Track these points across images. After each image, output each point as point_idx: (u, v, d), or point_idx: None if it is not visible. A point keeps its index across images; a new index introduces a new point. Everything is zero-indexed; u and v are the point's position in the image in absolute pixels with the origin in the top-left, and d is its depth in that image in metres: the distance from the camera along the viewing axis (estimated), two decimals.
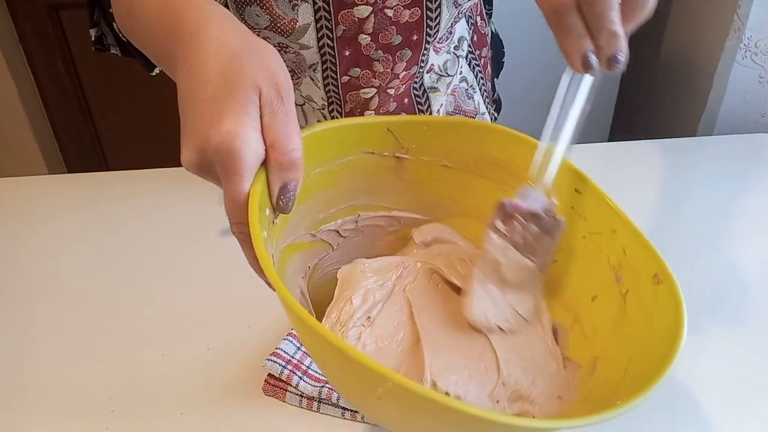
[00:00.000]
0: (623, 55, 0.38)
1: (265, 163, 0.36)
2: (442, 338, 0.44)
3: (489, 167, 0.47)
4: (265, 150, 0.36)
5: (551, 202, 0.40)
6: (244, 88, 0.35)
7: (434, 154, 0.47)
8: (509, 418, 0.31)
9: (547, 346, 0.43)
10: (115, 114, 1.88)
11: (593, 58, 0.38)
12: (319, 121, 0.74)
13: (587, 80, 0.39)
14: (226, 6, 0.65)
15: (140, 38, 0.48)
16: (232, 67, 0.36)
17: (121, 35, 0.57)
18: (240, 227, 0.36)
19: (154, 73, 0.61)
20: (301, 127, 0.38)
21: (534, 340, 0.44)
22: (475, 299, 0.43)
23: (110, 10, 0.54)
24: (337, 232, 0.48)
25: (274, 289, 0.40)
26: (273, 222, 0.38)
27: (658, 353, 0.33)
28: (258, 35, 0.65)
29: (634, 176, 0.82)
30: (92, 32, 0.61)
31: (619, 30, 0.37)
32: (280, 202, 0.37)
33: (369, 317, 0.44)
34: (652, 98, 1.52)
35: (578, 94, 0.39)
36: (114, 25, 0.57)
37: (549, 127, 0.40)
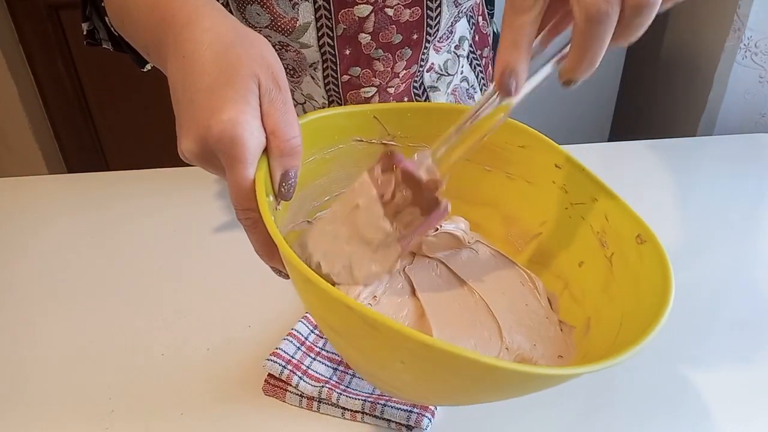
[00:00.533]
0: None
1: (266, 151, 0.37)
2: (446, 312, 0.44)
3: (473, 150, 0.48)
4: (266, 138, 0.36)
5: (438, 178, 0.39)
6: (243, 77, 0.35)
7: (419, 139, 0.48)
8: (539, 368, 0.32)
9: (544, 312, 0.45)
10: (115, 114, 1.89)
11: (508, 79, 0.34)
12: None
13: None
14: (227, 5, 0.65)
15: (131, 31, 0.48)
16: (227, 57, 0.36)
17: (113, 30, 0.57)
18: (246, 213, 0.36)
19: (145, 69, 0.61)
20: None
21: (532, 307, 0.45)
22: (315, 232, 0.42)
23: (102, 4, 0.54)
24: None
25: (283, 276, 0.39)
26: (276, 209, 0.39)
27: (649, 308, 0.35)
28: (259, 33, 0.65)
29: (634, 176, 0.82)
30: (84, 26, 0.61)
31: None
32: (282, 189, 0.37)
33: (375, 296, 0.45)
34: (652, 98, 1.52)
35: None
36: (106, 19, 0.57)
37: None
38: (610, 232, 0.41)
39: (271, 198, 0.37)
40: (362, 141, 0.47)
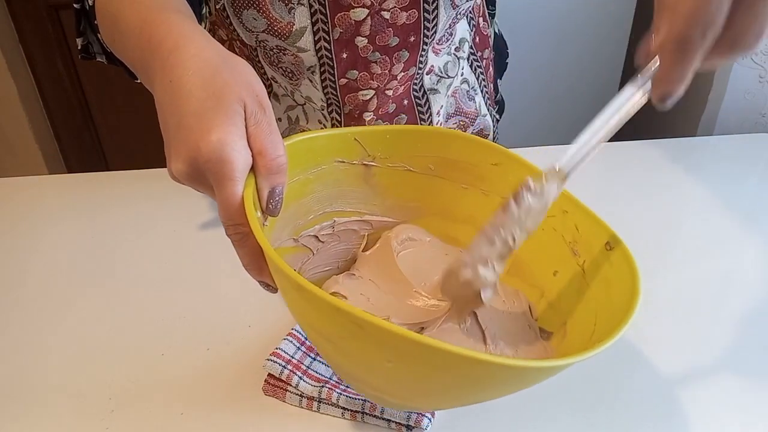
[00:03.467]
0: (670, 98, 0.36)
1: (253, 170, 0.38)
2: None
3: (449, 169, 0.52)
4: (253, 158, 0.38)
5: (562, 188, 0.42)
6: (230, 101, 0.37)
7: (398, 160, 0.51)
8: (528, 362, 0.33)
9: (525, 320, 0.48)
10: (115, 114, 1.89)
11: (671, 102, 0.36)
12: (319, 121, 0.75)
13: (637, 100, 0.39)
14: (224, 10, 0.65)
15: (120, 49, 0.50)
16: (214, 82, 0.38)
17: (105, 45, 0.58)
18: (236, 228, 0.37)
19: (138, 81, 0.62)
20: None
21: (515, 315, 0.48)
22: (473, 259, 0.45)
23: (95, 21, 0.55)
24: (317, 237, 0.52)
25: (272, 290, 0.41)
26: (263, 225, 0.40)
27: (620, 309, 0.37)
28: (256, 38, 0.66)
29: (634, 176, 0.82)
30: (78, 41, 0.62)
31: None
32: (270, 205, 0.39)
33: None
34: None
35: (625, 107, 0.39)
36: (99, 35, 0.58)
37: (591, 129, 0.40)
38: (581, 241, 0.44)
39: (259, 214, 0.39)
40: (344, 162, 0.50)
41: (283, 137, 0.41)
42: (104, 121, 1.92)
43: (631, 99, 0.38)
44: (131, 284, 0.65)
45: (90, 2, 0.55)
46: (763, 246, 0.69)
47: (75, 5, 0.59)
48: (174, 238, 0.72)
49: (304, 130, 0.76)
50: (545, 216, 0.43)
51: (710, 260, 0.67)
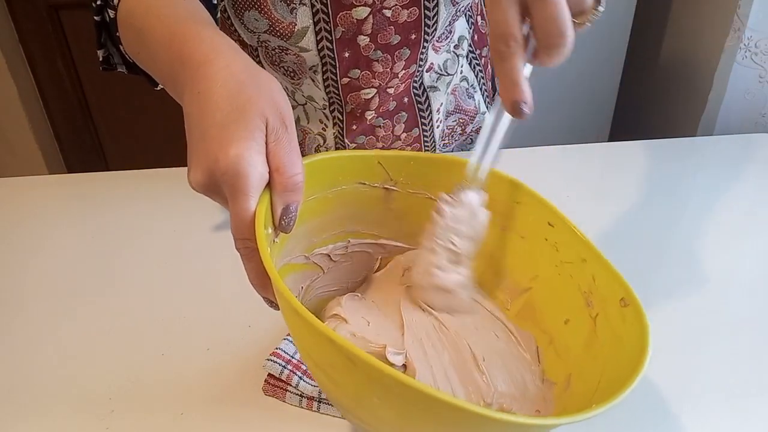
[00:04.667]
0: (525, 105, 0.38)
1: (269, 186, 0.39)
2: (432, 357, 0.46)
3: None
4: (270, 174, 0.38)
5: (483, 194, 0.46)
6: (252, 116, 0.38)
7: (420, 187, 0.51)
8: (514, 416, 0.32)
9: (530, 365, 0.47)
10: (115, 114, 1.89)
11: (524, 108, 0.38)
12: (320, 120, 0.75)
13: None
14: (225, 11, 0.65)
15: (147, 62, 0.51)
16: (240, 96, 0.38)
17: (127, 56, 0.59)
18: (245, 243, 0.38)
19: (158, 89, 0.62)
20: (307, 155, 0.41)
21: (520, 358, 0.47)
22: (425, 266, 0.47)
23: (117, 34, 0.56)
24: (329, 256, 0.51)
25: (274, 307, 0.41)
26: (273, 241, 0.41)
27: (627, 367, 0.36)
28: (258, 39, 0.66)
29: (634, 176, 0.82)
30: (99, 53, 0.63)
31: (517, 76, 0.37)
32: (283, 222, 0.39)
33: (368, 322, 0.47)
34: (652, 98, 1.52)
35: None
36: (120, 47, 0.59)
37: (482, 139, 0.44)
38: (596, 293, 0.43)
39: (270, 230, 0.39)
40: (365, 184, 0.49)
41: None
42: (104, 121, 1.92)
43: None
44: (131, 284, 0.65)
45: (111, 15, 0.56)
46: (763, 246, 0.69)
47: (95, 18, 0.59)
48: (174, 238, 0.72)
49: (304, 130, 0.76)
50: (485, 222, 0.46)
51: (710, 260, 0.67)
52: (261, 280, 0.39)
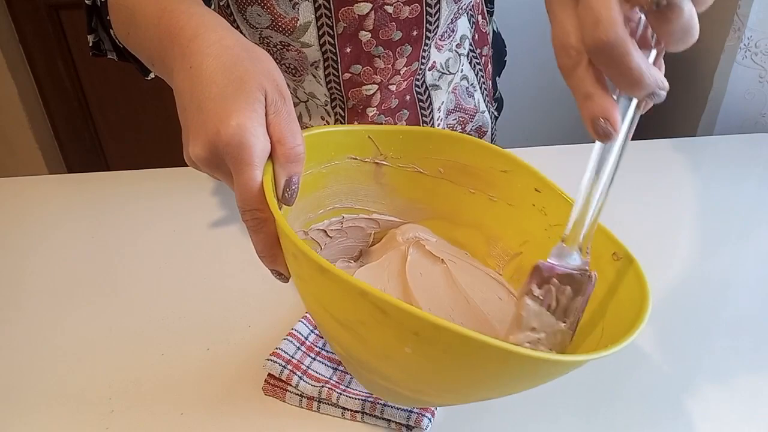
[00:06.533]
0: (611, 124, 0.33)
1: (271, 158, 0.38)
2: (442, 306, 0.47)
3: (458, 173, 0.52)
4: (272, 146, 0.38)
5: (585, 260, 0.39)
6: (251, 87, 0.37)
7: (409, 161, 0.52)
8: (546, 354, 0.32)
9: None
10: (115, 114, 1.89)
11: (600, 124, 0.33)
12: (322, 117, 0.75)
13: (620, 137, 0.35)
14: (227, 7, 0.65)
15: (136, 42, 0.50)
16: (235, 68, 0.38)
17: (117, 41, 0.58)
18: (253, 213, 0.37)
19: (149, 78, 0.62)
20: None
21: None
22: None
23: (107, 18, 0.55)
24: (325, 231, 0.52)
25: (283, 279, 0.41)
26: None
27: (629, 316, 0.37)
28: (260, 35, 0.66)
29: (635, 176, 0.82)
30: (90, 38, 0.62)
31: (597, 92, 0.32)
32: (286, 194, 0.39)
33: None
34: None
35: (612, 151, 0.36)
36: (111, 31, 0.58)
37: (586, 181, 0.36)
38: (590, 252, 0.43)
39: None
40: (356, 159, 0.50)
41: None
42: (104, 121, 1.92)
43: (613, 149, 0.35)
44: (131, 284, 0.65)
45: None
46: (763, 246, 0.69)
47: (86, 2, 0.59)
48: (174, 238, 0.72)
49: (306, 126, 0.76)
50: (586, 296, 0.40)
51: (710, 260, 0.67)
52: (271, 251, 0.39)
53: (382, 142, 0.50)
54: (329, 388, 0.49)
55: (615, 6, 0.30)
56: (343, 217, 0.52)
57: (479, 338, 0.30)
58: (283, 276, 0.40)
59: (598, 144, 0.35)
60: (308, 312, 0.54)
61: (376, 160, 0.51)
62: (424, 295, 0.47)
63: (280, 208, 0.40)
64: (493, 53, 0.87)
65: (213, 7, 0.70)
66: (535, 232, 0.49)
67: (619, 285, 0.41)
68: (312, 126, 0.71)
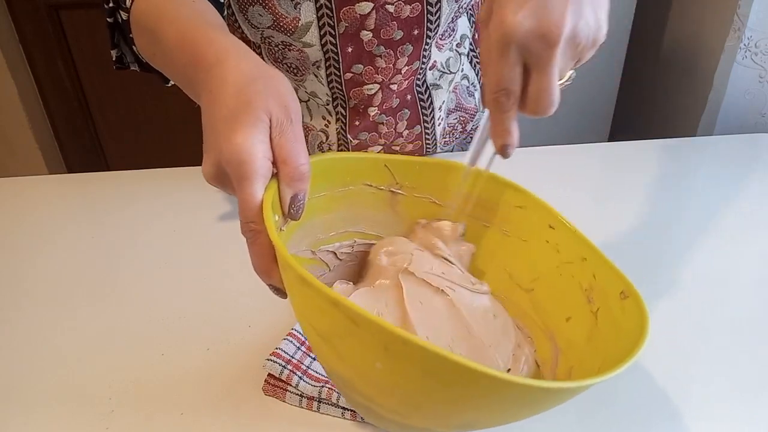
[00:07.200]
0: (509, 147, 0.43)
1: (276, 177, 0.40)
2: (433, 327, 0.46)
3: (474, 207, 0.52)
4: (277, 165, 0.40)
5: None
6: (255, 108, 0.39)
7: (425, 191, 0.52)
8: (520, 378, 0.31)
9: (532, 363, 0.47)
10: (115, 114, 1.89)
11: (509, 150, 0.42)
12: (323, 117, 0.75)
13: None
14: (228, 7, 0.66)
15: (163, 64, 0.53)
16: (246, 91, 0.40)
17: (140, 55, 0.61)
18: (249, 225, 0.39)
19: (169, 85, 0.64)
20: (311, 154, 0.42)
21: (520, 348, 0.47)
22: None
23: (130, 35, 0.58)
24: (335, 253, 0.52)
25: (281, 295, 0.42)
26: (280, 229, 0.42)
27: (626, 348, 0.37)
28: (261, 35, 0.66)
29: (634, 176, 0.82)
30: (113, 53, 0.65)
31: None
32: (292, 210, 0.41)
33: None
34: (652, 98, 1.52)
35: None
36: (134, 47, 0.61)
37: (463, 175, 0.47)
38: (597, 289, 0.44)
39: (278, 218, 0.40)
40: (371, 186, 0.50)
41: None
42: (104, 121, 1.92)
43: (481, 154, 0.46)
44: (131, 284, 0.65)
45: (124, 17, 0.58)
46: (763, 246, 0.69)
47: (108, 19, 0.61)
48: (174, 237, 0.72)
49: (308, 127, 0.76)
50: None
51: (710, 260, 0.67)
52: (266, 263, 0.40)
53: (398, 172, 0.50)
54: (329, 388, 0.49)
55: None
56: (355, 241, 0.52)
57: (447, 355, 0.29)
58: (280, 291, 0.42)
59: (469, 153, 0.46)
60: (301, 329, 0.53)
61: (392, 189, 0.51)
62: (423, 324, 0.46)
63: (284, 224, 0.42)
64: None
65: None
66: (546, 268, 0.48)
67: (622, 324, 0.41)
68: (309, 128, 0.71)
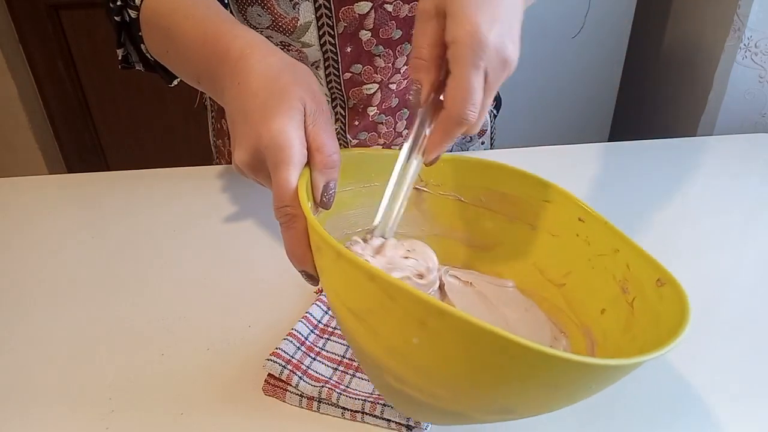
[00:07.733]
0: None
1: (309, 165, 0.41)
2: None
3: (499, 202, 0.52)
4: (310, 153, 0.41)
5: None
6: (290, 98, 0.41)
7: (450, 189, 0.52)
8: (572, 355, 0.30)
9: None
10: (115, 114, 1.89)
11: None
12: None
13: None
14: (228, 6, 0.66)
15: (177, 62, 0.54)
16: (277, 82, 0.42)
17: (146, 54, 0.62)
18: (285, 210, 0.40)
19: (172, 85, 0.64)
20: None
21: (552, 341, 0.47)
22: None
23: (139, 34, 0.59)
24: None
25: (313, 282, 0.42)
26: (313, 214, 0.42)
27: (666, 333, 0.36)
28: (260, 35, 0.66)
29: (634, 176, 0.82)
30: (119, 52, 0.65)
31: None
32: (324, 198, 0.42)
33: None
34: (652, 98, 1.52)
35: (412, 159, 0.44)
36: (142, 46, 0.61)
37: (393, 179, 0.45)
38: (632, 279, 0.43)
39: (311, 204, 0.41)
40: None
41: None
42: (104, 121, 1.92)
43: (412, 164, 0.44)
44: (131, 284, 0.65)
45: (132, 15, 0.58)
46: (763, 246, 0.69)
47: (116, 18, 0.61)
48: (174, 238, 0.72)
49: None
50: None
51: (710, 260, 0.67)
52: (299, 249, 0.40)
53: (423, 169, 0.50)
54: (329, 388, 0.49)
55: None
56: None
57: (491, 329, 0.28)
58: (312, 278, 0.42)
59: (402, 155, 0.44)
60: (332, 312, 0.53)
61: (417, 186, 0.51)
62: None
63: (316, 211, 0.42)
64: None
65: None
66: (578, 262, 0.48)
67: (661, 311, 0.40)
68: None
